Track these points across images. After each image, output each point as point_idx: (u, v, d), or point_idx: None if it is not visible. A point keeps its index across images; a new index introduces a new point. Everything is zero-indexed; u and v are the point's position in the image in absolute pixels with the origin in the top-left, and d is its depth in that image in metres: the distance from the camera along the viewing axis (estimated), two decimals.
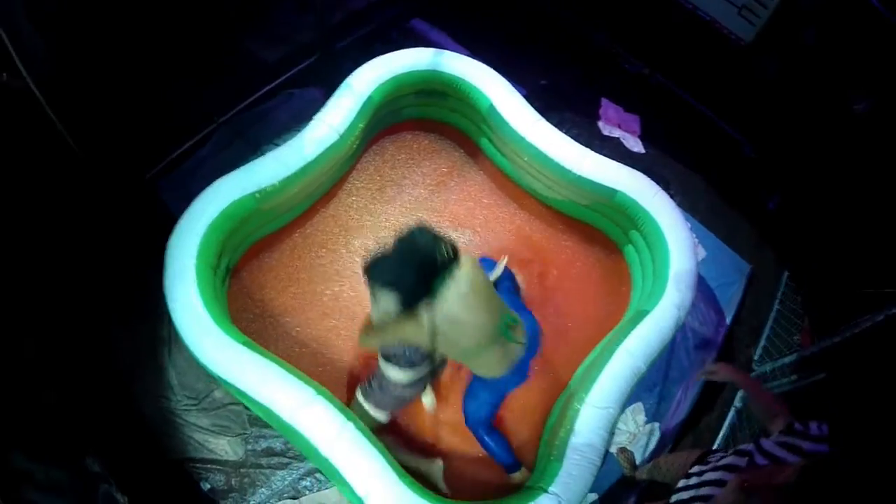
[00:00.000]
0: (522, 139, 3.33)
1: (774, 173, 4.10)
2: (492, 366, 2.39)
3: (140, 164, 3.35)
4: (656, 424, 3.23)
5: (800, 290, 3.75)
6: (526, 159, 3.39)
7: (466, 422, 2.77)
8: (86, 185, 3.10)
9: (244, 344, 2.50)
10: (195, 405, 2.94)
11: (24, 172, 2.85)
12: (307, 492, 2.84)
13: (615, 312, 3.35)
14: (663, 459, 2.61)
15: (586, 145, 3.44)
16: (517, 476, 2.85)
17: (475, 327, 2.18)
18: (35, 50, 2.67)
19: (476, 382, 2.69)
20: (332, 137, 3.04)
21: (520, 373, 2.53)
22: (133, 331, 3.04)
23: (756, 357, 3.61)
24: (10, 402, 2.54)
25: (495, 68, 3.60)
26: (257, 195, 2.81)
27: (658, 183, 3.37)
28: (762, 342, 3.65)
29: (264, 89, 3.72)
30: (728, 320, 3.66)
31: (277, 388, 2.42)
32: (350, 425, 2.39)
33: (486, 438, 2.78)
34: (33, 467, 2.44)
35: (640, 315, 3.01)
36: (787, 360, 3.33)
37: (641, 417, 3.26)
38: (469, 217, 3.60)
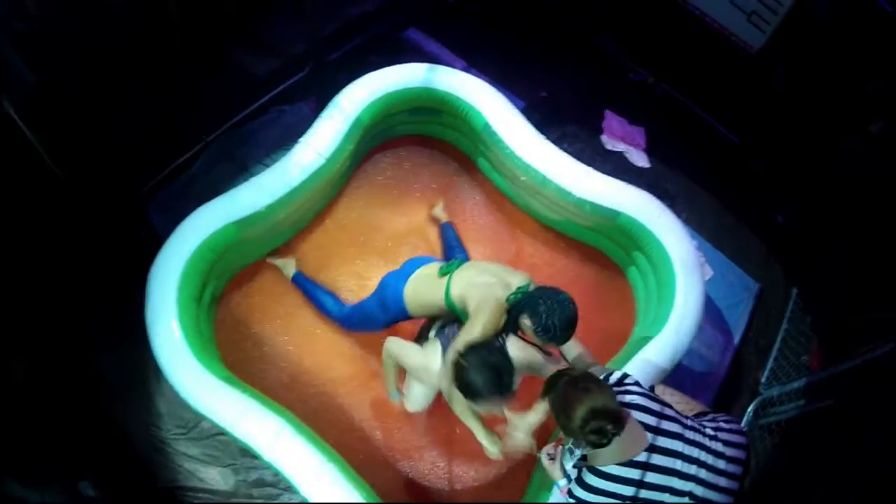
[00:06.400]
0: (519, 159, 3.21)
1: (783, 186, 3.94)
2: None
3: (128, 185, 3.28)
4: None
5: (809, 310, 3.60)
6: (524, 179, 3.27)
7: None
8: (71, 208, 3.05)
9: (224, 379, 2.45)
10: (184, 434, 2.91)
11: (8, 197, 2.80)
12: None
13: (618, 338, 3.22)
14: None
15: (589, 161, 3.31)
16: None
17: None
18: (18, 76, 2.65)
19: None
20: (318, 162, 2.95)
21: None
22: (121, 357, 2.99)
23: (763, 380, 3.48)
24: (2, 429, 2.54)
25: (493, 80, 3.49)
26: (239, 224, 2.75)
27: (664, 199, 3.24)
28: (770, 364, 3.52)
29: (254, 105, 3.60)
30: (736, 341, 3.54)
31: (254, 425, 2.38)
32: (330, 465, 2.33)
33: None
34: (29, 494, 2.45)
35: (643, 341, 2.91)
36: (794, 385, 3.20)
37: None
38: (465, 239, 3.38)
